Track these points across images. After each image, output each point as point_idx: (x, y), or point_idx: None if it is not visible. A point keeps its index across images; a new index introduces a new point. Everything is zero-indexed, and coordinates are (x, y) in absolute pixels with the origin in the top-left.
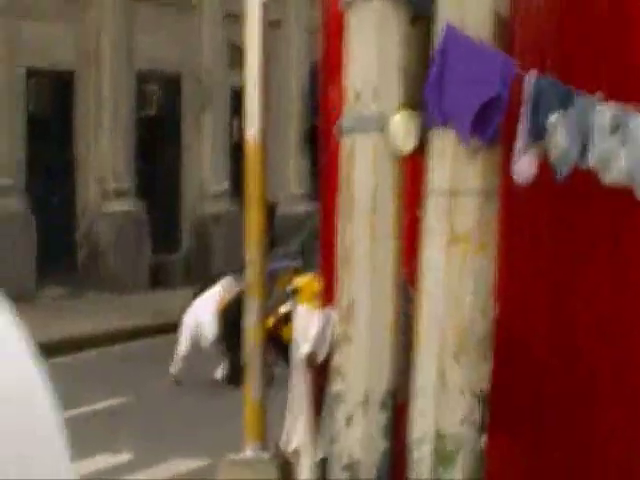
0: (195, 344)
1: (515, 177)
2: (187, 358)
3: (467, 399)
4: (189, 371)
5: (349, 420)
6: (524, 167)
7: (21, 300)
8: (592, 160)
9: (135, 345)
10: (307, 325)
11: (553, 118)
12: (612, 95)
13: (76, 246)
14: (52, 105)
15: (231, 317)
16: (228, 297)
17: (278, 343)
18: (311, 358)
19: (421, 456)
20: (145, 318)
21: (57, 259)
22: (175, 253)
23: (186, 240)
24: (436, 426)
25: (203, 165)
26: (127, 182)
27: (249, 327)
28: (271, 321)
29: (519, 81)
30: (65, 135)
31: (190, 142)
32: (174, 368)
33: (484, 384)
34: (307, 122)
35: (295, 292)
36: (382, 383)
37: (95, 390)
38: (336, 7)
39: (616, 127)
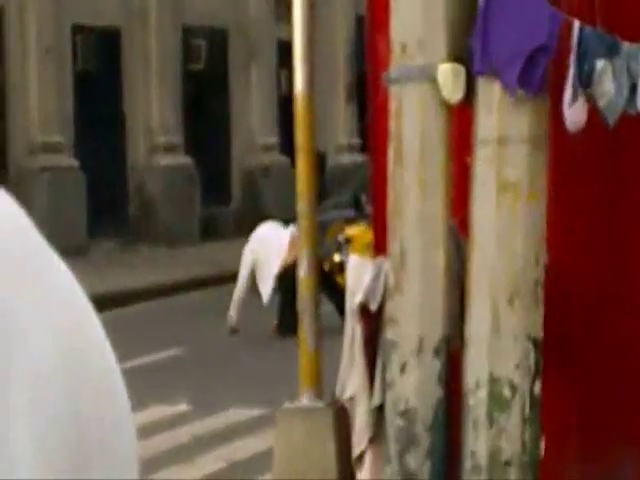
0: (252, 289)
1: (566, 125)
2: (243, 304)
3: (521, 344)
4: (246, 320)
5: (403, 367)
6: (574, 115)
7: (73, 254)
8: None
9: (188, 297)
10: (360, 274)
11: (600, 66)
12: None
13: (127, 200)
14: (99, 61)
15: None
16: (292, 256)
17: (334, 291)
18: (364, 307)
19: (477, 401)
20: (198, 270)
21: (108, 213)
22: (225, 206)
23: (236, 192)
24: (491, 371)
25: (251, 118)
26: (176, 136)
27: (302, 277)
28: (327, 266)
29: (566, 30)
30: (113, 91)
31: (238, 95)
32: (231, 315)
33: (537, 330)
34: (354, 73)
35: (347, 242)
36: (435, 330)
37: (150, 342)
38: None
39: None
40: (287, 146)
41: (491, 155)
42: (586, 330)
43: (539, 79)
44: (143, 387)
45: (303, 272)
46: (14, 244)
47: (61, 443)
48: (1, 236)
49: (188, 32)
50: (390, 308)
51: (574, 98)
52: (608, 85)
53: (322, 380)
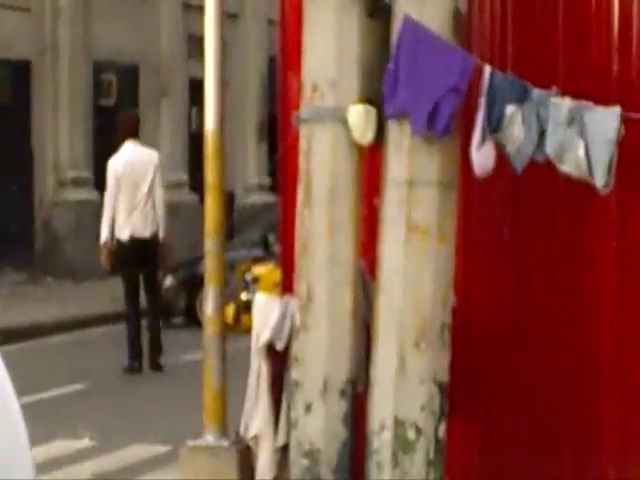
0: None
1: (474, 169)
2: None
3: (427, 387)
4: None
5: (309, 407)
6: (482, 159)
7: None
8: (549, 150)
9: (93, 332)
10: (267, 313)
11: (509, 111)
12: (568, 91)
13: (34, 234)
14: (9, 94)
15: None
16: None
17: None
18: (271, 346)
19: (381, 443)
20: (103, 305)
21: (15, 247)
22: None
23: None
24: (396, 414)
25: (161, 154)
26: (85, 171)
27: (208, 315)
28: (231, 309)
29: (477, 74)
30: (22, 124)
31: (148, 132)
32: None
33: (443, 373)
34: (266, 113)
35: (255, 281)
36: (341, 371)
37: (54, 376)
38: None
39: (572, 120)
40: (196, 184)
41: (401, 197)
42: (490, 372)
43: (447, 122)
44: (46, 421)
45: (210, 310)
46: None
47: None
48: None
49: (99, 67)
50: (296, 348)
51: (482, 142)
52: (517, 131)
53: (227, 419)
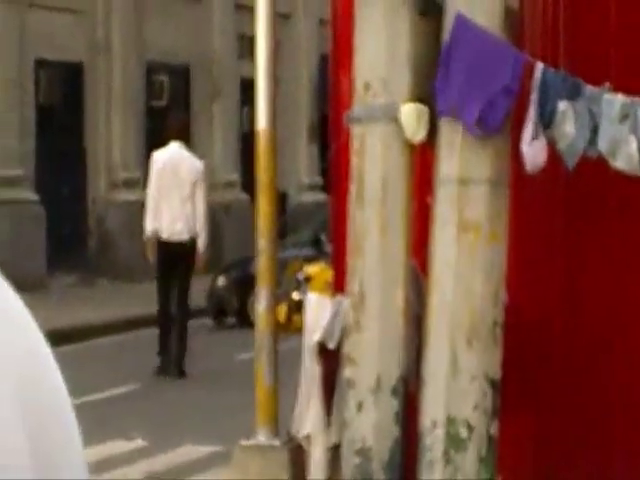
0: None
1: (525, 165)
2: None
3: (479, 385)
4: (203, 355)
5: (360, 406)
6: (533, 155)
7: (32, 288)
8: (601, 146)
9: (146, 332)
10: (319, 313)
11: (561, 107)
12: (620, 87)
13: (87, 235)
14: (62, 96)
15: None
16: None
17: None
18: (323, 345)
19: (433, 441)
20: (156, 305)
21: (68, 248)
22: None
23: None
24: (448, 411)
25: (213, 155)
26: (137, 172)
27: (260, 312)
28: (283, 309)
29: (528, 71)
30: (75, 125)
31: (200, 132)
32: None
33: (495, 370)
34: (317, 112)
35: (307, 280)
36: (393, 369)
37: (107, 377)
38: None
39: (625, 116)
40: (248, 183)
41: (452, 195)
42: (544, 370)
43: (500, 120)
44: (98, 422)
45: (262, 309)
46: None
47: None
48: None
49: (151, 68)
50: (348, 347)
51: (533, 138)
52: (569, 127)
53: (279, 417)
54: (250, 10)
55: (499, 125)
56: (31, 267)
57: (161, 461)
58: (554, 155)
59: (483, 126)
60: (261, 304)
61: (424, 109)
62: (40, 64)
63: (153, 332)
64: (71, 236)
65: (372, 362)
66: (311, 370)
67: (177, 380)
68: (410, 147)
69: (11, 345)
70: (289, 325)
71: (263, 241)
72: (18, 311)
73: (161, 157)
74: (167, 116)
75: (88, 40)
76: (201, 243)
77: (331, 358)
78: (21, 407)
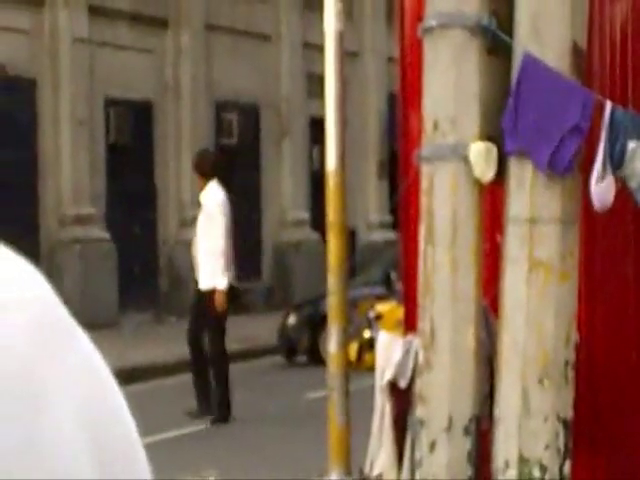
0: None
1: (594, 204)
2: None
3: (551, 424)
4: (276, 393)
5: (433, 445)
6: (601, 194)
7: (104, 326)
8: None
9: None
10: (390, 351)
11: (631, 147)
12: None
13: (158, 273)
14: (132, 134)
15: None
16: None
17: None
18: (394, 384)
19: None
20: (228, 343)
21: (139, 286)
22: (256, 280)
23: (266, 267)
24: (520, 452)
25: (283, 193)
26: None
27: (331, 353)
28: (354, 347)
29: (597, 110)
30: (145, 164)
31: (269, 170)
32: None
33: (567, 410)
34: (386, 150)
35: (378, 318)
36: (465, 409)
37: (177, 416)
38: (413, 36)
39: None
40: (318, 222)
41: (522, 234)
42: (616, 409)
43: (570, 159)
44: (172, 460)
45: (333, 348)
46: (42, 317)
47: None
48: (31, 309)
49: (220, 107)
50: (419, 386)
51: (602, 177)
52: (639, 165)
53: (351, 457)
54: (319, 49)
55: (569, 164)
56: (103, 305)
57: None
58: (623, 191)
59: (553, 165)
60: (332, 343)
61: (493, 148)
62: (110, 103)
63: None
64: (142, 274)
65: (444, 401)
66: (383, 409)
67: (249, 418)
68: (479, 186)
69: (80, 388)
70: (360, 363)
71: (334, 279)
72: (86, 354)
73: (224, 200)
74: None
75: (158, 79)
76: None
77: (403, 397)
78: (91, 447)
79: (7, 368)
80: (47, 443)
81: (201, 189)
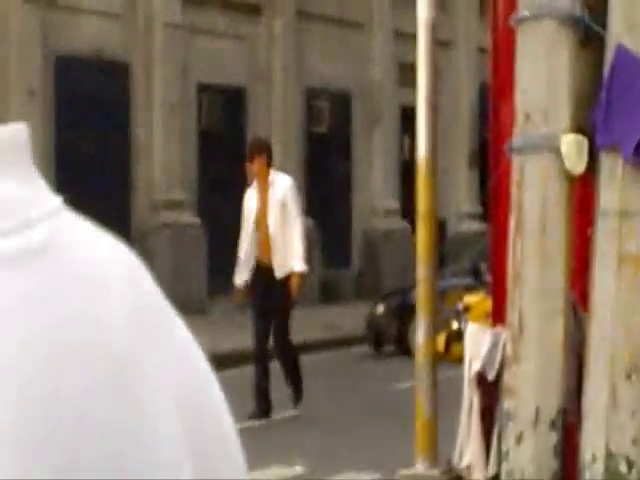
0: None
1: None
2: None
3: (639, 419)
4: (365, 382)
5: (519, 438)
6: None
7: (193, 311)
8: None
9: (307, 358)
10: (478, 343)
11: None
12: None
13: None
14: (223, 121)
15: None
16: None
17: None
18: (482, 376)
19: (592, 476)
20: (316, 332)
21: (229, 272)
22: (345, 269)
23: (356, 256)
24: (607, 446)
25: (373, 182)
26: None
27: (419, 344)
28: (442, 338)
29: None
30: (236, 150)
31: (360, 159)
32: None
33: None
34: (477, 140)
35: (466, 310)
36: (552, 402)
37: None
38: (506, 26)
39: None
40: (408, 211)
41: (613, 228)
42: None
43: None
44: (259, 447)
45: (421, 338)
46: (141, 300)
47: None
48: (129, 291)
49: (311, 94)
50: (507, 378)
51: None
52: None
53: (437, 448)
54: (411, 38)
55: None
56: (192, 290)
57: None
58: None
59: None
60: (421, 333)
61: (584, 140)
62: (202, 89)
63: (313, 358)
64: (232, 260)
65: (531, 394)
66: (471, 401)
67: (336, 408)
68: (570, 178)
69: (179, 375)
70: (448, 354)
71: (423, 269)
72: (185, 340)
73: None
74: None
75: (249, 65)
76: None
77: (490, 389)
78: (186, 432)
79: (105, 348)
80: (143, 429)
81: (265, 176)
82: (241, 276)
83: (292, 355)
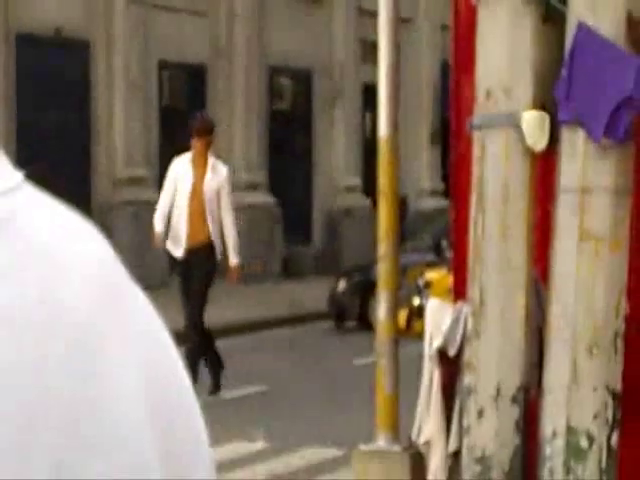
0: None
1: None
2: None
3: (600, 395)
4: (327, 357)
5: (480, 413)
6: None
7: (155, 288)
8: None
9: (267, 334)
10: (439, 319)
11: None
12: None
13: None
14: (185, 97)
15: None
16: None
17: None
18: (443, 352)
19: (553, 451)
20: (278, 308)
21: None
22: (307, 245)
23: (318, 233)
24: (568, 421)
25: (335, 159)
26: (259, 175)
27: (381, 319)
28: (403, 314)
29: None
30: None
31: (322, 136)
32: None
33: (616, 381)
34: (438, 118)
35: (427, 286)
36: (513, 377)
37: (229, 378)
38: (468, 3)
39: None
40: (370, 188)
41: (573, 204)
42: None
43: (624, 130)
44: (221, 423)
45: (382, 314)
46: (104, 276)
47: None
48: (91, 267)
49: (273, 71)
50: (468, 353)
51: None
52: None
53: (398, 423)
54: (372, 15)
55: (622, 134)
56: (154, 266)
57: (283, 463)
58: None
59: (607, 135)
60: (382, 309)
61: (546, 117)
62: (164, 66)
63: (274, 334)
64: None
65: (492, 369)
66: (431, 376)
67: (298, 383)
68: (531, 155)
69: (141, 349)
70: (409, 330)
71: (384, 246)
72: (147, 314)
73: None
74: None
75: (211, 42)
76: None
77: (451, 365)
78: (150, 406)
79: (67, 323)
80: (106, 400)
81: (206, 157)
82: (174, 249)
83: (208, 338)
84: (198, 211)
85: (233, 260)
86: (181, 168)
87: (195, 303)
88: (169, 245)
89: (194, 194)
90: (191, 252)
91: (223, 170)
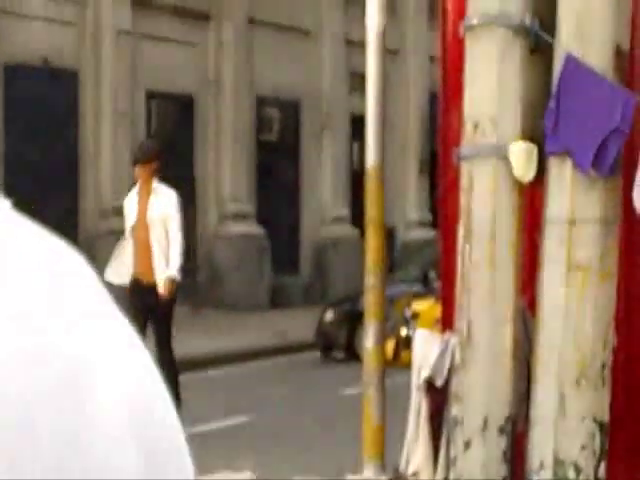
0: None
1: (635, 206)
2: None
3: (587, 426)
4: (311, 388)
5: (468, 445)
6: None
7: None
8: None
9: (255, 365)
10: (427, 349)
11: None
12: None
13: (196, 267)
14: (173, 128)
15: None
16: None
17: None
18: (430, 382)
19: None
20: (265, 338)
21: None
22: (295, 275)
23: (305, 263)
24: (556, 453)
25: (323, 190)
26: (247, 205)
27: (368, 349)
28: (391, 344)
29: (639, 112)
30: (185, 157)
31: (310, 167)
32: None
33: (603, 412)
34: (426, 149)
35: (414, 316)
36: (501, 409)
37: (215, 409)
38: (455, 34)
39: None
40: (357, 219)
41: (561, 235)
42: None
43: (612, 161)
44: (208, 453)
45: (370, 344)
46: (88, 298)
47: None
48: (75, 291)
49: (261, 102)
50: (455, 384)
51: None
52: None
53: (385, 454)
54: (360, 46)
55: (610, 166)
56: None
57: None
58: None
59: (595, 167)
60: (369, 340)
61: (533, 148)
62: (151, 96)
63: (262, 364)
64: (181, 267)
65: (479, 401)
66: (419, 407)
67: (285, 413)
68: (519, 186)
69: (125, 372)
70: (397, 361)
71: (371, 276)
72: (129, 338)
73: None
74: (277, 150)
75: (199, 73)
76: None
77: (439, 395)
78: (136, 441)
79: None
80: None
81: (149, 184)
82: (119, 277)
83: (173, 369)
84: (144, 241)
85: (171, 272)
86: (130, 200)
87: (162, 334)
88: (110, 276)
89: (139, 223)
90: (141, 287)
91: (170, 194)
